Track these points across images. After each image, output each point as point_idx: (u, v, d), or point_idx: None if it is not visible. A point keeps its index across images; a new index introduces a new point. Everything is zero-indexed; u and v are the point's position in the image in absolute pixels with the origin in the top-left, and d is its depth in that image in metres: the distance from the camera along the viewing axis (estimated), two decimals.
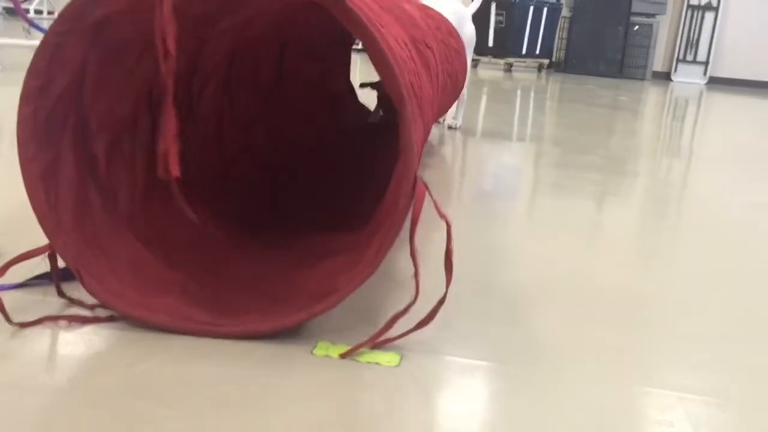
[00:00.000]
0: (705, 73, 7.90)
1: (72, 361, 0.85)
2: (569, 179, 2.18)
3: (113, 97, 1.03)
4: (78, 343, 0.89)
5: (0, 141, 2.03)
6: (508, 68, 7.19)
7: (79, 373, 0.82)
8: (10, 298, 0.96)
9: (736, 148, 3.29)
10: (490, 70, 6.88)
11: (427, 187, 0.91)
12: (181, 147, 1.25)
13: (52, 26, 0.88)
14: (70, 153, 0.96)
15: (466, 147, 2.63)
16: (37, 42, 4.31)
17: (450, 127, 2.96)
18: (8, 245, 1.16)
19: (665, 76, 8.01)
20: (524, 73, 7.07)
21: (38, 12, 7.23)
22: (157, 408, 0.76)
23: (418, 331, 0.94)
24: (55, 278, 0.98)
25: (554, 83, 6.17)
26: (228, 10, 1.20)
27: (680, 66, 7.96)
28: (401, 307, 0.93)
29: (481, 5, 3.04)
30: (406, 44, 1.21)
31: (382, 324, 0.94)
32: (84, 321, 0.94)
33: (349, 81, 2.49)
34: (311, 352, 0.91)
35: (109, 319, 0.95)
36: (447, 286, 0.93)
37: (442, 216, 0.91)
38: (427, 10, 2.13)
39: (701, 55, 7.88)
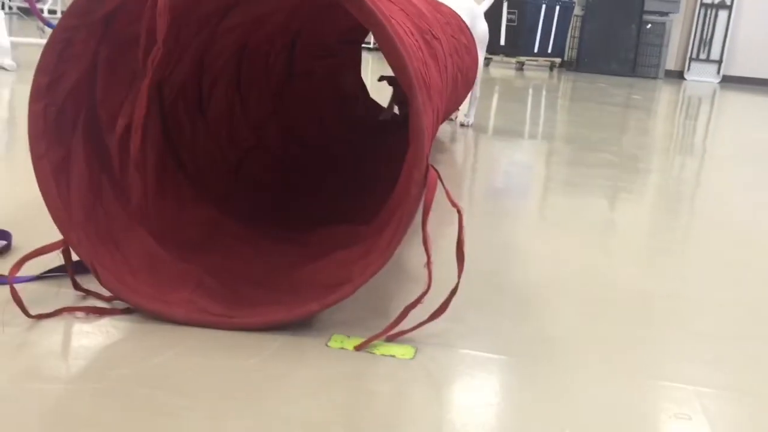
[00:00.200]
0: (718, 72, 7.86)
1: (89, 352, 0.85)
2: (581, 177, 2.17)
3: (123, 93, 1.04)
4: (95, 334, 0.90)
5: (14, 138, 2.05)
6: (520, 67, 7.18)
7: (97, 364, 0.83)
8: (26, 291, 0.97)
9: (750, 146, 3.27)
10: (501, 69, 6.87)
11: (438, 175, 0.91)
12: (191, 142, 1.27)
13: (60, 22, 0.89)
14: (81, 149, 0.97)
15: (477, 144, 2.63)
16: None
17: (462, 125, 2.96)
18: (23, 240, 1.17)
19: (678, 75, 7.97)
20: (536, 71, 7.05)
21: (52, 12, 7.29)
22: (174, 398, 0.77)
23: (432, 325, 0.94)
24: (70, 272, 0.99)
25: (566, 82, 6.15)
26: (237, 7, 1.20)
27: (693, 64, 7.92)
28: (413, 299, 0.93)
29: (493, 3, 3.04)
30: (412, 33, 1.21)
31: (395, 316, 0.94)
32: (101, 313, 0.95)
33: (360, 78, 2.49)
34: (326, 345, 0.91)
35: (126, 311, 0.95)
36: (459, 276, 0.93)
37: (454, 204, 0.91)
38: (438, 6, 2.13)
39: (714, 54, 7.83)
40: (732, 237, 1.62)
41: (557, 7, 7.18)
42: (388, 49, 0.88)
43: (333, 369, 0.86)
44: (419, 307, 0.93)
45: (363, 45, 2.50)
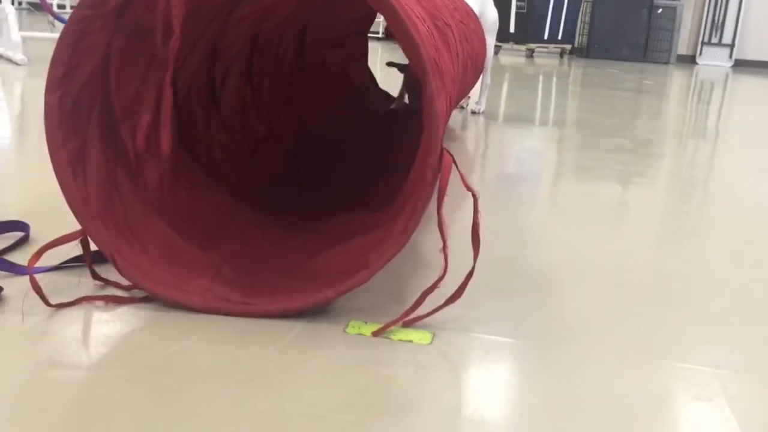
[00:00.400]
0: (731, 56, 7.78)
1: (110, 340, 0.86)
2: (594, 161, 2.16)
3: (137, 83, 1.04)
4: (115, 322, 0.91)
5: (27, 131, 2.06)
6: (530, 54, 7.14)
7: (118, 352, 0.83)
8: (46, 281, 0.98)
9: (763, 130, 3.24)
10: (511, 56, 6.83)
11: (453, 159, 0.90)
12: (204, 133, 1.27)
13: (74, 13, 0.89)
14: (96, 139, 0.97)
15: (488, 131, 2.63)
16: None
17: (473, 112, 2.95)
18: (41, 232, 1.18)
19: (690, 60, 7.90)
20: (546, 58, 7.01)
21: (61, 7, 7.31)
22: (196, 384, 0.77)
23: (448, 310, 0.94)
24: (88, 261, 0.99)
25: (577, 68, 6.12)
26: None
27: (705, 49, 7.85)
28: (429, 284, 0.94)
29: None
30: (424, 19, 1.21)
31: (411, 302, 0.94)
32: (120, 301, 0.95)
33: (368, 69, 2.49)
34: (344, 331, 0.92)
35: (144, 299, 0.96)
36: (475, 259, 0.93)
37: (469, 188, 0.91)
38: None
39: (727, 38, 7.76)
40: (747, 220, 1.61)
41: None
42: (401, 34, 0.88)
43: (352, 354, 0.86)
44: (435, 292, 0.93)
45: (370, 34, 2.50)
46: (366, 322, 0.94)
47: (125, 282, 0.98)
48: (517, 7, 6.92)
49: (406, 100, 2.50)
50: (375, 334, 0.91)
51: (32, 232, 1.18)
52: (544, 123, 2.93)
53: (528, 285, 1.12)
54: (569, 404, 0.79)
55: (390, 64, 2.43)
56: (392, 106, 2.47)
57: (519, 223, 1.47)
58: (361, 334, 0.91)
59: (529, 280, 1.14)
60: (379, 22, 7.32)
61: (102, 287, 1.00)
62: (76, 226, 0.97)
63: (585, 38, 7.73)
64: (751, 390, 0.84)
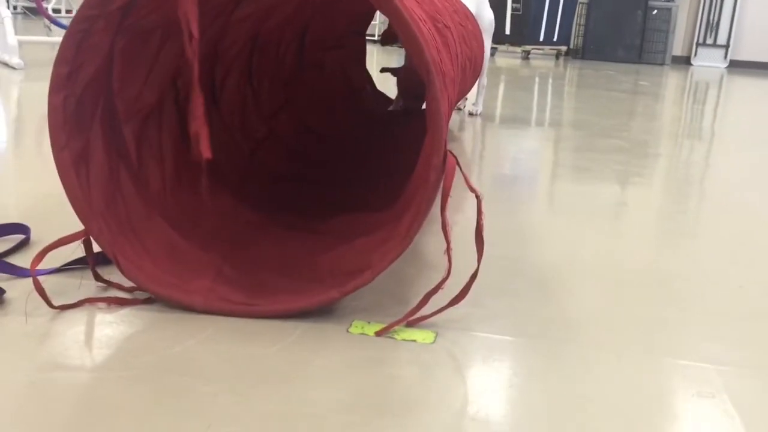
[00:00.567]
0: (725, 57, 7.81)
1: (113, 341, 0.86)
2: (592, 162, 2.17)
3: (139, 84, 1.04)
4: (118, 324, 0.91)
5: (24, 134, 2.06)
6: (526, 56, 7.16)
7: (121, 353, 0.83)
8: (48, 283, 0.98)
9: (757, 130, 3.25)
10: (507, 58, 6.85)
11: (457, 161, 0.91)
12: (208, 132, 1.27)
13: (78, 12, 0.89)
14: (99, 139, 0.97)
15: (485, 132, 2.63)
16: (57, 39, 4.35)
17: (471, 114, 2.95)
18: (41, 235, 1.18)
19: (685, 61, 7.93)
20: (542, 60, 7.02)
21: (56, 11, 7.30)
22: (201, 383, 0.77)
23: (451, 310, 0.95)
24: (91, 262, 0.99)
25: (572, 70, 6.13)
26: None
27: (700, 50, 7.88)
28: (432, 285, 0.94)
29: None
30: (425, 21, 1.21)
31: (414, 303, 0.94)
32: (122, 303, 0.95)
33: (366, 70, 2.49)
34: (347, 331, 0.92)
35: (147, 301, 0.96)
36: (479, 261, 0.93)
37: (473, 190, 0.92)
38: None
39: (721, 39, 7.78)
40: (743, 219, 1.62)
41: None
42: (405, 35, 0.88)
43: (356, 354, 0.86)
44: (438, 292, 0.93)
45: (366, 37, 2.50)
46: (369, 322, 0.95)
47: (127, 284, 0.98)
48: (513, 9, 6.94)
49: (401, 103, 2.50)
50: (378, 333, 0.91)
51: (33, 235, 1.18)
52: (540, 124, 2.93)
53: (529, 284, 1.13)
54: (573, 402, 0.79)
55: (383, 70, 2.44)
56: (390, 108, 2.47)
57: (518, 222, 1.47)
58: (364, 333, 0.92)
59: (530, 280, 1.15)
60: (375, 25, 7.34)
61: (104, 289, 1.00)
62: (74, 230, 0.97)
63: (580, 40, 7.75)
64: (753, 386, 0.85)
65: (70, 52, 0.89)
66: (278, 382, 0.79)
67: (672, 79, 5.92)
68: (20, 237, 1.17)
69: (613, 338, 0.95)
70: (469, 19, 2.39)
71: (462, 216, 1.45)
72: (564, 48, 7.45)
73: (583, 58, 7.59)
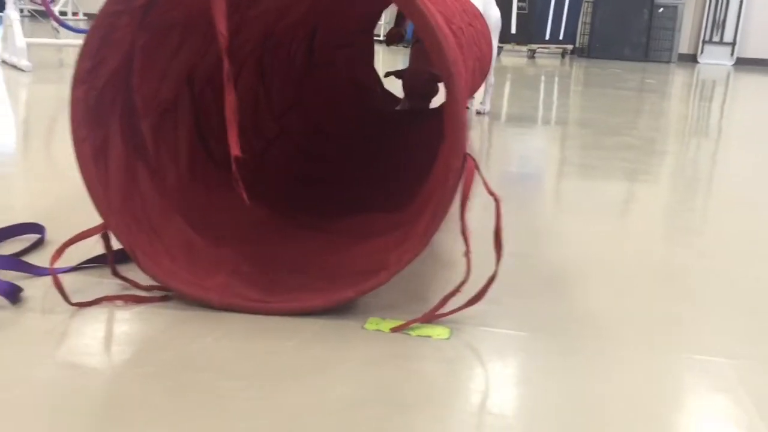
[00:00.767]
0: (732, 54, 7.79)
1: (131, 338, 0.87)
2: (600, 160, 2.17)
3: (157, 80, 1.05)
4: (135, 321, 0.91)
5: (34, 134, 2.07)
6: (532, 55, 7.15)
7: (141, 349, 0.84)
8: (67, 281, 0.99)
9: (765, 127, 3.25)
10: (513, 57, 6.85)
11: (476, 164, 0.91)
12: (219, 130, 1.28)
13: (104, 7, 0.89)
14: (118, 134, 0.98)
15: (493, 131, 2.63)
16: (65, 41, 4.36)
17: (478, 113, 2.96)
18: (55, 234, 1.19)
19: (692, 59, 7.91)
20: (548, 59, 7.02)
21: (63, 13, 7.33)
22: (221, 379, 0.78)
23: None
24: (110, 257, 1.00)
25: (578, 68, 6.12)
26: None
27: (707, 47, 7.86)
28: (448, 285, 0.94)
29: None
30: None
31: (429, 300, 0.95)
32: (140, 301, 0.96)
33: (374, 69, 2.50)
34: (362, 327, 0.93)
35: (164, 298, 0.97)
36: (497, 264, 0.93)
37: (491, 193, 0.92)
38: None
39: (728, 36, 7.76)
40: (753, 215, 1.62)
41: None
42: (428, 37, 0.88)
43: (373, 350, 0.87)
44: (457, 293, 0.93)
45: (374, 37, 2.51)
46: (384, 319, 0.95)
47: (145, 282, 0.99)
48: (519, 8, 6.93)
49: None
50: (394, 330, 0.92)
51: (47, 235, 1.19)
52: (547, 122, 2.93)
53: (543, 280, 1.13)
54: (590, 397, 0.79)
55: (388, 74, 2.45)
56: (398, 107, 2.47)
57: (527, 220, 1.47)
58: (379, 330, 0.92)
59: (541, 276, 1.15)
60: (380, 25, 7.34)
61: (123, 288, 1.01)
62: (89, 226, 0.97)
63: (586, 38, 7.74)
64: None
65: (94, 46, 0.90)
66: (299, 378, 0.79)
67: (678, 76, 5.91)
68: (35, 237, 1.18)
69: (628, 334, 0.96)
70: (478, 18, 2.39)
71: (474, 214, 1.46)
72: (570, 46, 7.45)
73: (589, 56, 7.58)
